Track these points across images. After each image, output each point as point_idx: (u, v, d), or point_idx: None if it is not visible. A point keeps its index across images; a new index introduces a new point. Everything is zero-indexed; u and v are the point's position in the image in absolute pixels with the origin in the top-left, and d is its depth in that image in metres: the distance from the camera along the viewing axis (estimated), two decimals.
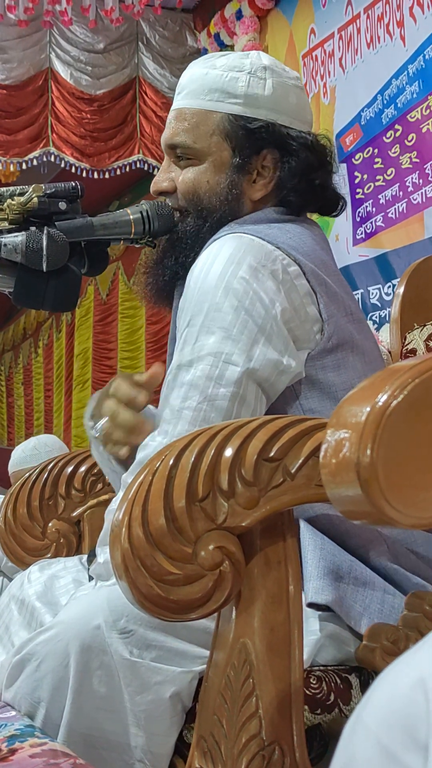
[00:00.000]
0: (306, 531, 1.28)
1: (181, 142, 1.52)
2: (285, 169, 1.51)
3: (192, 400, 1.31)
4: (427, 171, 4.40)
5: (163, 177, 1.55)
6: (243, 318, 1.34)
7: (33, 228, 1.39)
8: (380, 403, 0.82)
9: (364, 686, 1.20)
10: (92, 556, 1.50)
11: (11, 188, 1.43)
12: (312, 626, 1.21)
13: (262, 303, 1.35)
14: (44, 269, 1.39)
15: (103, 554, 1.32)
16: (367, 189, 4.82)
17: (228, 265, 1.37)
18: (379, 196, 4.72)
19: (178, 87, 1.58)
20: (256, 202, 1.53)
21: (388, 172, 4.68)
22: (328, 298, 1.40)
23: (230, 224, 1.49)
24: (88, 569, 1.49)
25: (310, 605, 1.22)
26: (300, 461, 1.05)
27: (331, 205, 1.60)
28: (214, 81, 1.52)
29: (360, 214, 4.86)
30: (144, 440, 1.35)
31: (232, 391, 1.31)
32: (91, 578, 1.46)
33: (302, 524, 1.28)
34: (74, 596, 1.35)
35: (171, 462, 1.04)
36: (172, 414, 1.32)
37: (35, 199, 1.40)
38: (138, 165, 6.55)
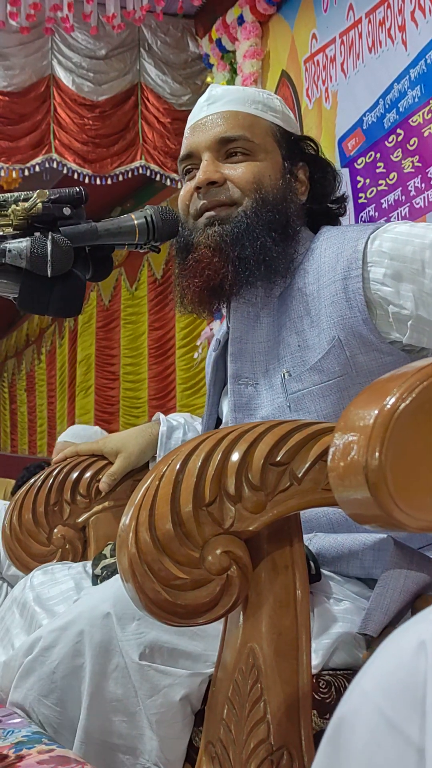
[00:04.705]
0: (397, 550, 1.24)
1: (240, 135, 1.53)
2: (317, 182, 1.59)
3: None
4: (429, 175, 4.40)
5: (212, 169, 1.52)
6: None
7: (37, 233, 1.39)
8: (388, 406, 0.81)
9: None
10: (98, 560, 1.50)
11: (15, 194, 1.42)
12: (330, 629, 1.21)
13: None
14: (49, 275, 1.38)
15: None
16: (370, 193, 4.82)
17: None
18: (382, 201, 4.72)
19: (208, 99, 1.59)
20: (299, 207, 1.56)
21: (391, 176, 4.68)
22: None
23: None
24: (92, 575, 1.49)
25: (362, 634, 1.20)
26: (307, 465, 1.05)
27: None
28: (254, 95, 1.58)
29: (362, 219, 4.86)
30: None
31: None
32: (94, 584, 1.46)
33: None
34: (76, 601, 1.34)
35: (178, 467, 1.04)
36: None
37: (39, 205, 1.40)
38: (140, 171, 6.56)
